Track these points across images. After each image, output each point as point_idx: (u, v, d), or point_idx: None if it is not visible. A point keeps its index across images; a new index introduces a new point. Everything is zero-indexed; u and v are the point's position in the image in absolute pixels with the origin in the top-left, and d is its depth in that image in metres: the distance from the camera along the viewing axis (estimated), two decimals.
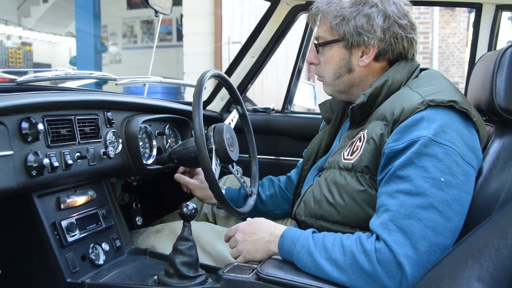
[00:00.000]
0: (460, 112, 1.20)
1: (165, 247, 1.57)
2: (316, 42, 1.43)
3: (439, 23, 9.94)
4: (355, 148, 1.30)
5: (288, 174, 1.79)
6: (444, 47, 12.45)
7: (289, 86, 2.39)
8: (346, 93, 1.45)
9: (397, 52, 1.37)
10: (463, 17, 11.76)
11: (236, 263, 1.28)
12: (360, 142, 1.29)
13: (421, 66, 1.44)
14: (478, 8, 1.96)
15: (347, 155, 1.31)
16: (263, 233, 1.31)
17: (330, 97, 1.57)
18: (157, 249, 1.57)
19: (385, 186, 1.18)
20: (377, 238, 1.13)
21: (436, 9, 9.15)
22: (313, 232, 1.23)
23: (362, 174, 1.26)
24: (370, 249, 1.12)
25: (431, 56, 8.89)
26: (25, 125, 1.26)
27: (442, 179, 1.12)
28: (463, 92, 1.34)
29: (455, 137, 1.16)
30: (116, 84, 2.09)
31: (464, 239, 1.00)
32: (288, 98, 2.39)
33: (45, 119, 1.34)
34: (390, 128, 1.22)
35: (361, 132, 1.31)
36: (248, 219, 1.39)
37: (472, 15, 2.05)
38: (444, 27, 12.33)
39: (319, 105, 1.62)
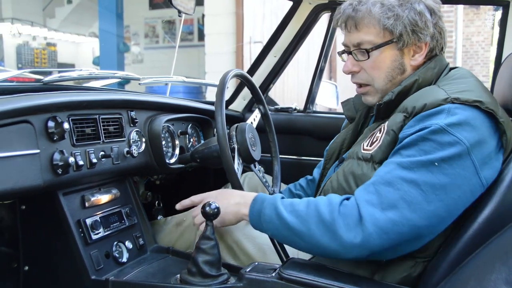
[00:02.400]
0: (485, 112, 1.17)
1: (187, 241, 1.59)
2: (358, 47, 1.33)
3: (463, 22, 9.79)
4: (374, 139, 1.29)
5: (310, 177, 1.76)
6: (468, 46, 12.26)
7: (311, 86, 2.38)
8: None
9: (440, 47, 1.35)
10: (489, 15, 11.56)
11: (257, 263, 1.27)
12: (380, 133, 1.28)
13: (462, 68, 1.39)
14: (505, 6, 1.92)
15: (367, 146, 1.30)
16: (235, 198, 1.33)
17: (353, 96, 1.55)
18: (178, 241, 1.60)
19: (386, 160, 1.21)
20: (348, 198, 1.17)
21: (460, 7, 9.02)
22: (282, 197, 1.27)
23: (380, 165, 1.24)
24: (336, 202, 1.15)
25: (454, 55, 8.78)
26: (51, 124, 1.28)
27: (436, 163, 1.11)
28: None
29: (471, 134, 1.12)
30: (139, 84, 2.11)
31: (491, 241, 0.99)
32: (310, 97, 2.38)
33: (70, 118, 1.36)
34: (409, 120, 1.21)
35: (382, 124, 1.30)
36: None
37: (499, 13, 2.01)
38: (468, 25, 12.13)
39: (342, 103, 1.59)
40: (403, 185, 1.11)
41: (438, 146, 1.12)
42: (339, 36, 1.47)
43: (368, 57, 1.32)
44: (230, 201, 1.33)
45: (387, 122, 1.28)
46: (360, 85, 1.40)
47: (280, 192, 1.71)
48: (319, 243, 1.14)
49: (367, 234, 1.09)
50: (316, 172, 1.75)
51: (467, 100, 1.16)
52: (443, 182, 1.11)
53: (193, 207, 1.47)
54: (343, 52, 1.40)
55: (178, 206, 1.47)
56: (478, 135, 1.13)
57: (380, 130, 1.29)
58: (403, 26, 1.28)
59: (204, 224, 1.28)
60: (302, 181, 1.77)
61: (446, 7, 8.74)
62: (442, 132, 1.12)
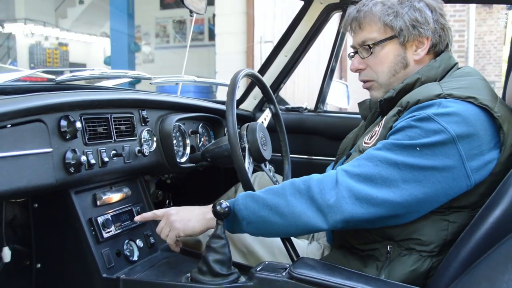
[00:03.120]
0: (480, 107, 1.18)
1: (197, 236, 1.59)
2: (363, 45, 1.40)
3: (475, 21, 9.70)
4: (373, 133, 1.33)
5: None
6: (480, 45, 12.17)
7: (322, 85, 2.37)
8: None
9: (445, 43, 1.39)
10: (502, 14, 11.45)
11: (268, 262, 1.27)
12: (378, 127, 1.32)
13: (468, 67, 1.40)
14: None
15: (367, 140, 1.35)
16: (200, 207, 1.35)
17: (359, 99, 1.58)
18: (189, 240, 1.59)
19: None
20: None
21: (473, 6, 8.93)
22: None
23: None
24: (313, 175, 1.20)
25: (466, 55, 8.69)
26: (63, 123, 1.29)
27: (418, 148, 1.15)
28: (501, 91, 1.30)
29: (459, 126, 1.14)
30: (150, 83, 2.11)
31: (503, 242, 0.98)
32: (321, 97, 2.37)
33: (82, 118, 1.37)
34: (402, 113, 1.25)
35: (382, 120, 1.34)
36: None
37: None
38: (481, 24, 12.04)
39: (359, 104, 1.62)
40: (383, 163, 1.16)
41: (423, 133, 1.16)
42: (350, 36, 1.48)
43: (371, 53, 1.38)
44: (193, 211, 1.34)
45: (386, 117, 1.32)
46: (365, 81, 1.45)
47: None
48: (297, 212, 1.17)
49: (340, 197, 1.14)
50: (329, 169, 1.75)
51: (460, 96, 1.18)
52: (422, 164, 1.15)
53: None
54: (351, 53, 1.46)
55: (138, 218, 1.45)
56: (468, 128, 1.15)
57: (378, 125, 1.33)
58: (403, 21, 1.34)
59: (171, 232, 1.33)
60: None
61: (458, 6, 8.66)
62: (428, 120, 1.16)
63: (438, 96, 1.20)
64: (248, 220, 1.24)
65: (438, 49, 1.38)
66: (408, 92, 1.32)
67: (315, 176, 1.21)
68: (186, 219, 1.32)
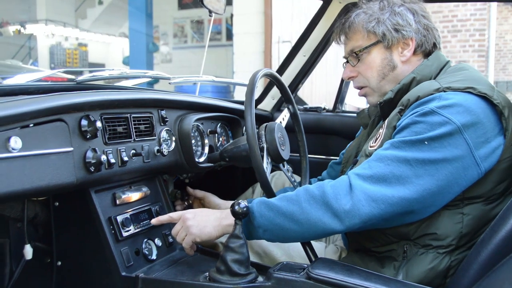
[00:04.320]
0: (479, 96, 1.21)
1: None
2: (351, 53, 1.46)
3: (496, 20, 9.56)
4: (378, 136, 1.35)
5: (320, 177, 1.81)
6: (501, 44, 11.98)
7: (341, 85, 2.36)
8: None
9: (431, 42, 1.43)
10: None
11: (286, 262, 1.27)
12: (382, 129, 1.35)
13: (461, 63, 1.45)
14: None
15: (372, 143, 1.37)
16: (215, 212, 1.36)
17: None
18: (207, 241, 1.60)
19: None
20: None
21: (494, 5, 8.81)
22: None
23: None
24: (326, 181, 1.20)
25: (487, 54, 8.56)
26: (84, 122, 1.30)
27: (426, 142, 1.16)
28: None
29: (463, 115, 1.17)
30: (169, 83, 2.13)
31: None
32: (340, 97, 2.36)
33: (102, 117, 1.38)
34: (403, 112, 1.28)
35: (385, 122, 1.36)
36: None
37: None
38: (502, 23, 11.85)
39: (357, 114, 1.66)
40: (394, 161, 1.17)
41: (428, 126, 1.17)
42: None
43: (359, 60, 1.45)
44: (209, 214, 1.36)
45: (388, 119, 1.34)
46: (360, 88, 1.51)
47: None
48: (313, 219, 1.18)
49: (356, 201, 1.14)
50: (325, 172, 1.80)
51: (459, 88, 1.22)
52: (433, 157, 1.16)
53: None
54: (344, 63, 1.52)
55: (154, 221, 1.47)
56: (471, 116, 1.18)
57: (382, 127, 1.36)
58: (385, 26, 1.40)
59: (187, 236, 1.34)
60: (313, 180, 1.80)
61: (478, 5, 8.56)
62: (432, 113, 1.18)
63: (437, 90, 1.23)
64: (264, 228, 1.24)
65: (425, 49, 1.43)
66: (406, 92, 1.35)
67: (328, 181, 1.22)
68: (202, 225, 1.33)
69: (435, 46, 1.45)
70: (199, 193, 1.86)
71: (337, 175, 1.67)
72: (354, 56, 1.46)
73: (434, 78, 1.36)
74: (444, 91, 1.22)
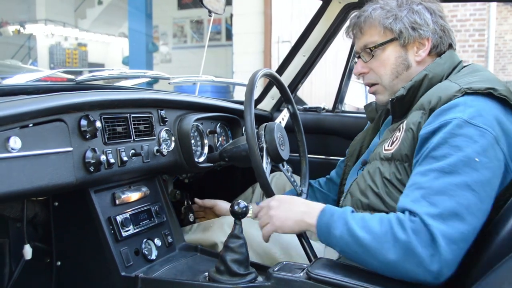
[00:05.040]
0: (499, 99, 1.19)
1: (214, 239, 1.59)
2: (365, 49, 1.42)
3: (495, 20, 9.56)
4: (394, 139, 1.32)
5: (328, 176, 1.78)
6: (501, 44, 11.97)
7: (340, 85, 2.36)
8: None
9: (446, 44, 1.40)
10: None
11: (285, 262, 1.26)
12: (399, 132, 1.31)
13: (474, 64, 1.43)
14: None
15: (388, 146, 1.33)
16: (302, 205, 1.30)
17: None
18: (206, 242, 1.60)
19: (418, 167, 1.17)
20: (410, 213, 1.11)
21: (493, 5, 8.81)
22: (352, 211, 1.23)
23: (401, 162, 1.26)
24: (404, 219, 1.10)
25: (486, 54, 8.56)
26: (84, 122, 1.30)
27: (476, 159, 1.10)
28: None
29: (492, 121, 1.14)
30: (169, 83, 2.12)
31: None
32: (339, 97, 2.36)
33: (102, 117, 1.38)
34: (427, 116, 1.23)
35: (401, 124, 1.33)
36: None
37: None
38: (502, 23, 11.85)
39: (364, 106, 1.64)
40: (455, 190, 1.09)
41: (469, 139, 1.12)
42: None
43: (373, 56, 1.41)
44: (293, 208, 1.30)
45: (405, 121, 1.30)
46: (370, 85, 1.47)
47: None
48: (393, 263, 1.09)
49: (442, 250, 1.05)
50: (334, 172, 1.77)
51: (480, 89, 1.19)
52: (488, 176, 1.11)
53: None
54: (356, 58, 1.48)
55: (250, 215, 1.45)
56: (496, 120, 1.15)
57: (399, 130, 1.31)
58: (402, 24, 1.37)
59: (269, 225, 1.31)
60: (321, 179, 1.79)
61: (478, 5, 8.55)
62: (466, 125, 1.13)
63: (459, 91, 1.19)
64: (340, 249, 1.19)
65: (439, 50, 1.40)
66: (417, 89, 1.33)
67: (407, 218, 1.11)
68: (284, 217, 1.29)
69: (450, 46, 1.42)
70: (208, 202, 1.85)
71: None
72: (367, 52, 1.42)
73: (446, 77, 1.34)
74: (466, 93, 1.19)
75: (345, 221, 1.17)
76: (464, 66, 1.40)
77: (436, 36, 1.38)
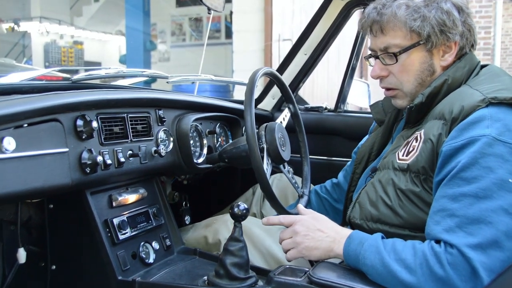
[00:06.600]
0: None
1: (217, 235, 1.56)
2: (386, 51, 1.31)
3: (502, 17, 9.48)
4: (411, 149, 1.25)
5: (335, 180, 1.73)
6: (507, 42, 11.89)
7: (343, 85, 2.33)
8: None
9: (470, 44, 1.31)
10: None
11: (287, 265, 1.25)
12: (416, 142, 1.24)
13: (492, 66, 1.36)
14: None
15: (402, 156, 1.26)
16: (329, 232, 1.25)
17: (381, 98, 1.52)
18: (208, 239, 1.57)
19: (445, 189, 1.11)
20: (446, 244, 1.07)
21: (500, 2, 8.76)
22: (382, 237, 1.19)
23: (418, 175, 1.21)
24: (440, 251, 1.06)
25: (492, 52, 8.49)
26: (80, 122, 1.28)
27: (510, 180, 1.06)
28: None
29: None
30: (167, 82, 2.10)
31: None
32: (342, 96, 2.33)
33: (99, 117, 1.36)
34: (448, 127, 1.16)
35: (417, 132, 1.26)
36: (311, 211, 1.35)
37: None
38: (508, 20, 11.77)
39: (370, 106, 1.57)
40: (492, 216, 1.05)
41: (500, 159, 1.08)
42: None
43: (396, 61, 1.30)
44: (321, 236, 1.26)
45: (423, 130, 1.24)
46: (388, 89, 1.37)
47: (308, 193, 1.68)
48: None
49: (485, 282, 1.02)
50: (342, 175, 1.71)
51: (505, 99, 1.14)
52: None
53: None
54: (370, 56, 1.37)
55: (264, 221, 1.38)
56: None
57: (416, 139, 1.24)
58: (430, 26, 1.25)
59: (294, 251, 1.28)
60: (328, 183, 1.75)
61: (484, 2, 8.48)
62: (496, 143, 1.09)
63: (483, 101, 1.13)
64: (372, 277, 1.14)
65: (464, 52, 1.31)
66: (436, 95, 1.26)
67: (442, 250, 1.06)
68: (312, 247, 1.25)
69: (472, 46, 1.33)
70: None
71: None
72: (390, 55, 1.30)
73: (465, 82, 1.27)
74: (490, 103, 1.13)
75: (377, 251, 1.13)
76: (482, 66, 1.33)
77: (463, 39, 1.28)
